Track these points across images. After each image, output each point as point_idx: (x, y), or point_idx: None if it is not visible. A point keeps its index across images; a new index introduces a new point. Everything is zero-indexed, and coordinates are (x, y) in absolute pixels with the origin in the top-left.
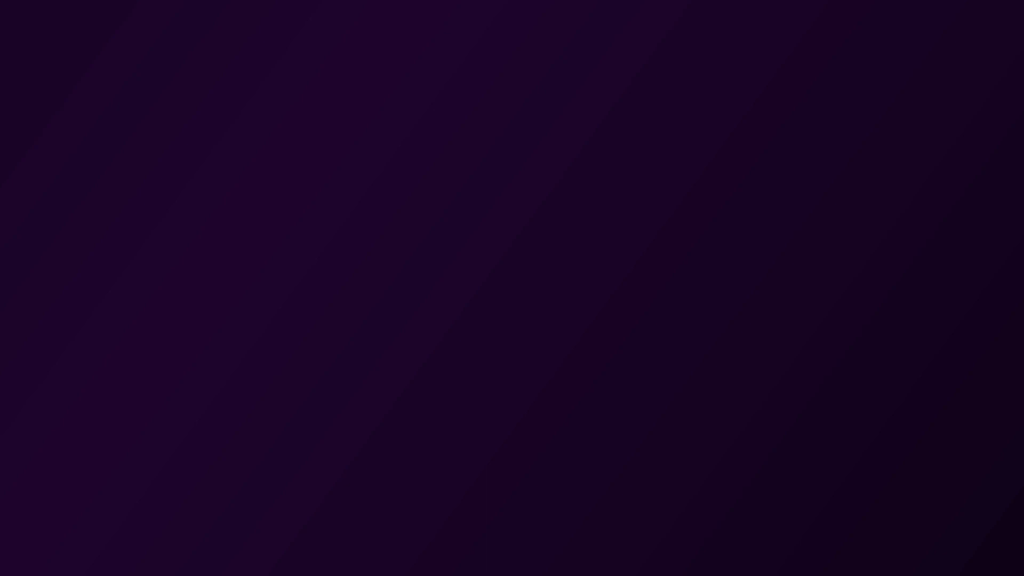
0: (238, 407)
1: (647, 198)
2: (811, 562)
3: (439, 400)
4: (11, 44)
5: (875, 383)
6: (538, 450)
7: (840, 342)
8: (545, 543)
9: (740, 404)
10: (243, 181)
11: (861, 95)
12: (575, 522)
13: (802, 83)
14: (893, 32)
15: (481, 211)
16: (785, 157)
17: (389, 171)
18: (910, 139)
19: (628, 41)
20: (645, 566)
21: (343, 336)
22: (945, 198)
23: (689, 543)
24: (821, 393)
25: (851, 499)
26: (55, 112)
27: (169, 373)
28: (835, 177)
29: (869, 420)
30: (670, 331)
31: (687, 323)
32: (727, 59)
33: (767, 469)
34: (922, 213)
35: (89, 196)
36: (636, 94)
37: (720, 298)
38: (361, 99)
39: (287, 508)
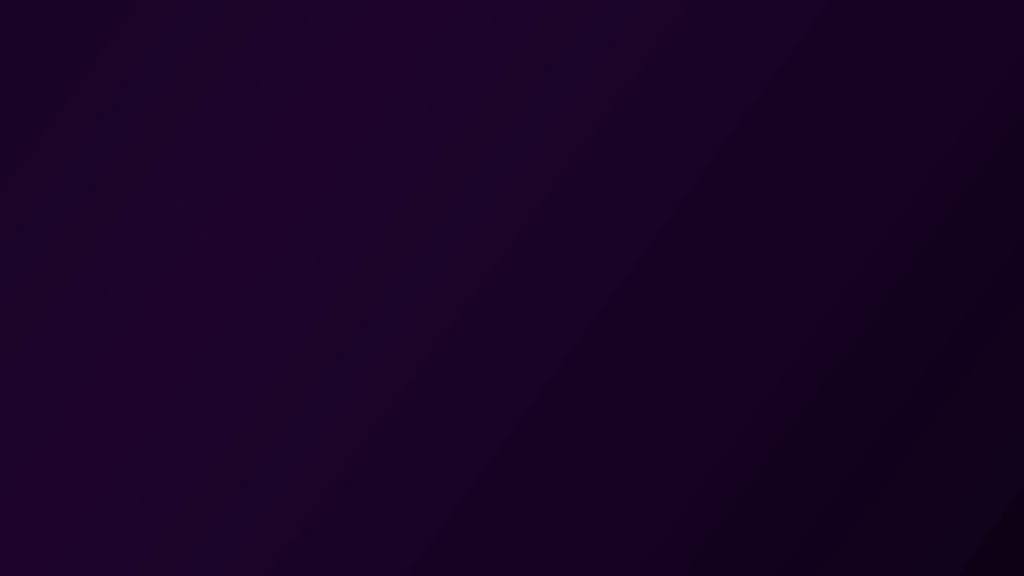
0: (238, 407)
1: (647, 198)
2: (811, 562)
3: (439, 400)
4: (11, 44)
5: (875, 383)
6: (538, 450)
7: (840, 342)
8: (545, 543)
9: (740, 404)
10: (243, 181)
11: (861, 95)
12: (575, 522)
13: (802, 83)
14: (893, 32)
15: (481, 211)
16: (785, 157)
17: (389, 171)
18: (910, 139)
19: (628, 41)
20: (645, 566)
21: (343, 336)
22: (945, 198)
23: (689, 543)
24: (821, 393)
25: (851, 499)
26: (55, 112)
27: (169, 373)
28: (835, 177)
29: (869, 420)
30: (670, 331)
31: (687, 323)
32: (727, 59)
33: (767, 469)
34: (922, 213)
35: (89, 196)
36: (636, 94)
37: (720, 298)
38: (361, 99)
39: (287, 508)
